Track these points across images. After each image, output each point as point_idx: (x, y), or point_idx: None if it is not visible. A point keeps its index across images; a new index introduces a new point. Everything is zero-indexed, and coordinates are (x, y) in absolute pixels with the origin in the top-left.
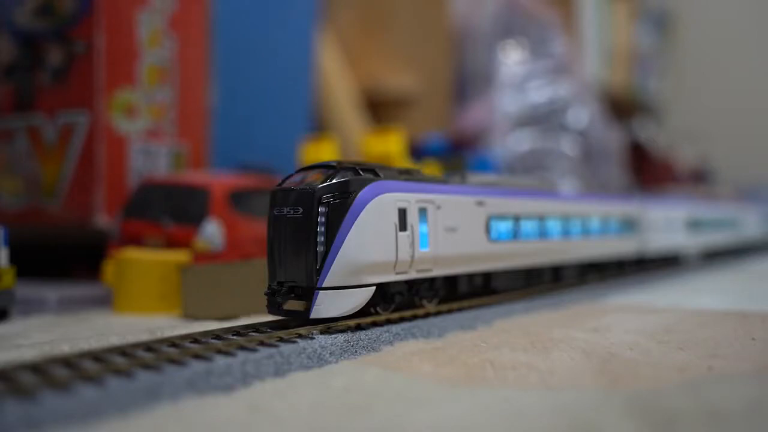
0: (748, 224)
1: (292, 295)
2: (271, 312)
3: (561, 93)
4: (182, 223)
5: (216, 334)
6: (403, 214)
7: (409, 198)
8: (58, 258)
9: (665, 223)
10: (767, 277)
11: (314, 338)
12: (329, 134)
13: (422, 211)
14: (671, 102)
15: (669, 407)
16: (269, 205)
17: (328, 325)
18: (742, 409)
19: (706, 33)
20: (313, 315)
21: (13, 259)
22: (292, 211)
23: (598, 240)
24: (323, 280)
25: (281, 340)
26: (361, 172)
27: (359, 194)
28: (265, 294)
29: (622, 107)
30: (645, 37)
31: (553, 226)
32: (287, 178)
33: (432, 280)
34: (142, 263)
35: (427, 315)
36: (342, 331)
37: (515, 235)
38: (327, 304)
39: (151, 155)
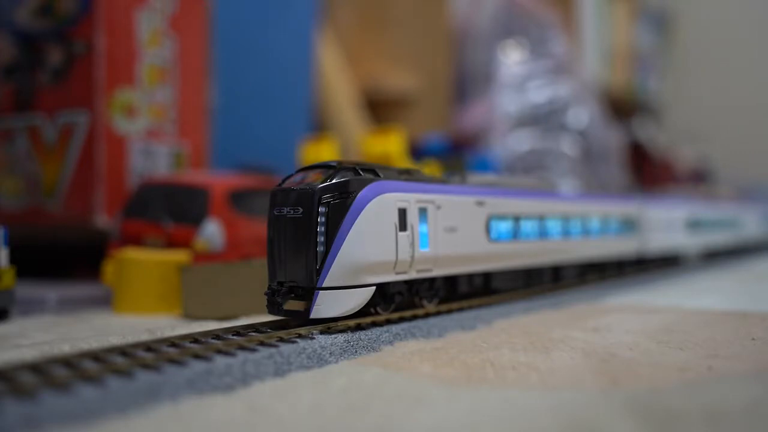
0: (748, 224)
1: (292, 295)
2: (271, 312)
3: (561, 93)
4: (182, 223)
5: (216, 334)
6: (403, 214)
7: (409, 198)
8: (58, 258)
9: (665, 223)
10: (767, 277)
11: (314, 338)
12: (329, 134)
13: (422, 211)
14: (671, 102)
15: (669, 407)
16: (269, 205)
17: (328, 325)
18: (742, 409)
19: (706, 33)
20: (313, 315)
21: (13, 259)
22: (292, 211)
23: (598, 240)
24: (323, 280)
25: (281, 340)
26: (361, 172)
27: (359, 194)
28: (265, 294)
29: (622, 107)
30: (645, 37)
31: (553, 226)
32: (287, 178)
33: (432, 280)
34: (142, 263)
35: (427, 315)
36: (342, 331)
37: (515, 235)
38: (327, 304)
39: (151, 155)
